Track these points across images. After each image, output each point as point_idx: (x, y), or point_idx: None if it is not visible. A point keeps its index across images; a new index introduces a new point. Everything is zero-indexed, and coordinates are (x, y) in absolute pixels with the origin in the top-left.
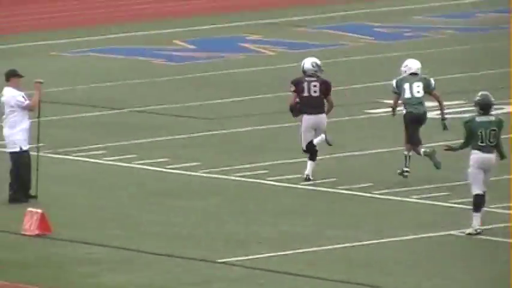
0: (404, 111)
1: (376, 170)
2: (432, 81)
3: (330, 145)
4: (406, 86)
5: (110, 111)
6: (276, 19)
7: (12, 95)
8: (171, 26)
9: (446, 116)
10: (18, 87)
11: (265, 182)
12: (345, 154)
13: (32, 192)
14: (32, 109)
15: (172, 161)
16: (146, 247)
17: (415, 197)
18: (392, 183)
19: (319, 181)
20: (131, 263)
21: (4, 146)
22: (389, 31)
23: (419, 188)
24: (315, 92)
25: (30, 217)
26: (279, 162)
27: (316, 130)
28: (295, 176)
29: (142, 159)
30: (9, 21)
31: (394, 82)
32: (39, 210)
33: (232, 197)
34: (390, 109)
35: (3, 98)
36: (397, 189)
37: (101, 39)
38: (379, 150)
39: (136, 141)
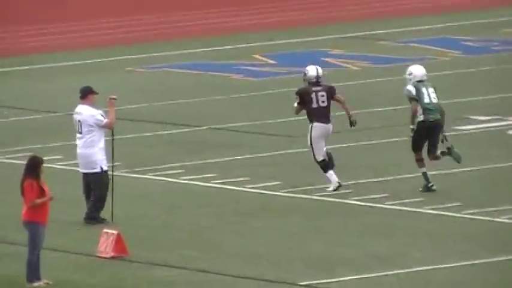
0: (421, 118)
1: (465, 189)
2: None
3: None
4: (424, 90)
5: (188, 129)
6: (359, 32)
7: (90, 113)
8: (251, 40)
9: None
10: (93, 105)
11: (349, 201)
12: (433, 172)
13: (105, 214)
14: (111, 127)
15: (252, 180)
16: (225, 269)
17: (504, 217)
18: (482, 202)
19: (406, 200)
20: (209, 286)
21: (76, 166)
22: (477, 44)
23: (510, 207)
24: (323, 102)
25: (106, 238)
26: (363, 181)
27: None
28: (380, 195)
29: (221, 179)
30: (83, 36)
31: (411, 88)
32: (115, 232)
33: (314, 217)
34: (411, 125)
35: (80, 117)
36: (487, 209)
37: (177, 54)
38: (468, 169)
39: (215, 160)
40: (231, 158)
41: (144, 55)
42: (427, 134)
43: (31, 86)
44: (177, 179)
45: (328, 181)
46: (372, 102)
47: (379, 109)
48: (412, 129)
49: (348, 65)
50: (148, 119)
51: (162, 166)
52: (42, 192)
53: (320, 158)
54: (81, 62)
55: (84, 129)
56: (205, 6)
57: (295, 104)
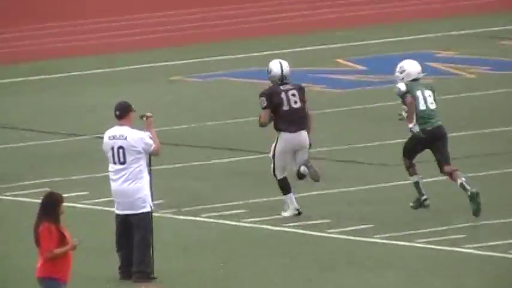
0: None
1: None
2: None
3: (317, 181)
4: (419, 94)
5: (253, 156)
6: (475, 29)
7: (138, 136)
8: (332, 40)
9: None
10: (132, 126)
11: (462, 250)
12: None
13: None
14: (158, 153)
15: (336, 223)
16: None
17: None
18: None
19: None
20: None
21: (106, 204)
22: None
23: None
24: (295, 102)
25: None
26: (481, 223)
27: (298, 152)
28: (503, 241)
29: (296, 221)
30: (111, 36)
31: (402, 85)
32: None
33: (416, 271)
34: (403, 116)
35: (122, 142)
36: None
37: (237, 59)
38: None
39: None
40: (308, 194)
41: (193, 60)
42: (424, 145)
43: (47, 101)
44: (238, 221)
45: (285, 205)
46: (491, 120)
47: (502, 129)
48: (411, 129)
49: (460, 72)
50: (199, 143)
51: (219, 205)
52: (62, 240)
53: (280, 176)
54: (110, 70)
55: (129, 158)
56: None
57: (262, 110)
